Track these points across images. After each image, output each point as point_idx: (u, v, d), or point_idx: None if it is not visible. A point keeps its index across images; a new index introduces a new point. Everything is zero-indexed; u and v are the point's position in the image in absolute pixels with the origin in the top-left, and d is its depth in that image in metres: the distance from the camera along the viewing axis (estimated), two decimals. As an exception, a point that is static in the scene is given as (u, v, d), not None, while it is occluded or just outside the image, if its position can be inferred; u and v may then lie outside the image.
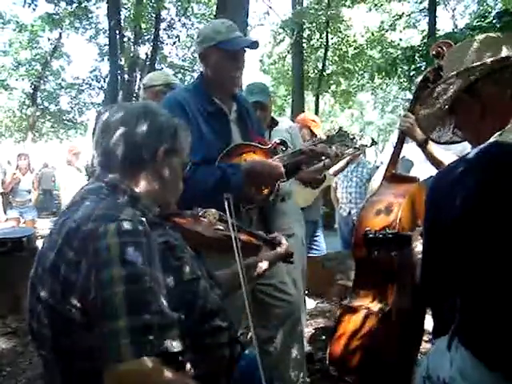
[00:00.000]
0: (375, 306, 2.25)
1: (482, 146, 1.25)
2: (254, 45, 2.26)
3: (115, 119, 1.32)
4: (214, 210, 1.59)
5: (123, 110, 1.35)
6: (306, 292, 3.90)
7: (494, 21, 5.56)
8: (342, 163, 4.72)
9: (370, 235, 1.93)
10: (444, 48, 2.36)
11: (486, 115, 1.34)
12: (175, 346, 1.08)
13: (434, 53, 2.41)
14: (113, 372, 1.01)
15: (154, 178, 1.35)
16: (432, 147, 2.45)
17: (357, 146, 2.66)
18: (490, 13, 8.52)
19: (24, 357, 3.32)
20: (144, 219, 1.21)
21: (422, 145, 2.44)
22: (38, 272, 1.23)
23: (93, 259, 1.08)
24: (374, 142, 3.59)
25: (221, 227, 1.57)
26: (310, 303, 4.36)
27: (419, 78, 2.81)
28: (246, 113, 2.36)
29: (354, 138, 2.50)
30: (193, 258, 1.37)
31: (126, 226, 1.14)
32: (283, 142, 2.38)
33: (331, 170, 4.48)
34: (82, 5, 18.11)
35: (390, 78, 7.13)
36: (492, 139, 1.25)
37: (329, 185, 4.88)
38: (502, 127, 1.27)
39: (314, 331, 3.71)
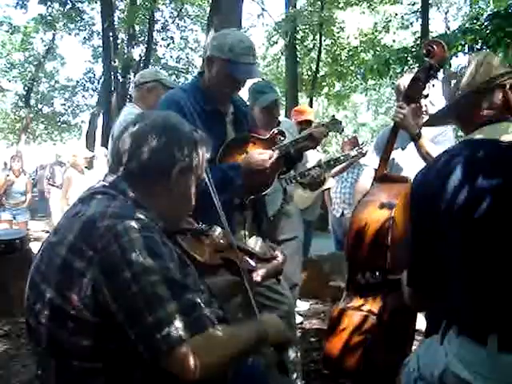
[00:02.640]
0: (372, 307, 2.25)
1: (463, 140, 1.48)
2: (258, 77, 2.46)
3: (134, 130, 1.30)
4: (218, 229, 1.60)
5: (144, 121, 1.33)
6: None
7: (485, 23, 5.58)
8: (342, 165, 4.71)
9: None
10: (434, 47, 2.37)
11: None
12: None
13: (424, 52, 2.42)
14: (177, 355, 1.07)
15: (165, 194, 1.32)
16: (424, 141, 2.47)
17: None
18: (482, 15, 8.57)
19: (17, 360, 3.29)
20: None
21: (415, 138, 2.47)
22: (40, 269, 1.22)
23: (119, 257, 1.10)
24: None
25: (222, 245, 1.59)
26: (304, 305, 4.36)
27: (401, 80, 2.86)
28: (242, 115, 2.38)
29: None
30: (196, 273, 1.37)
31: (143, 222, 1.17)
32: (281, 132, 2.41)
33: (332, 171, 4.50)
34: (76, 6, 18.09)
35: (382, 78, 7.12)
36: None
37: (329, 187, 4.92)
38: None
39: (308, 332, 3.71)
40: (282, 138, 2.39)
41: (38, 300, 1.19)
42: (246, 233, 2.29)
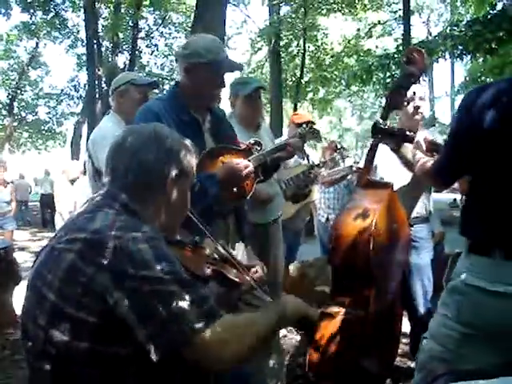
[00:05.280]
0: (351, 311, 2.29)
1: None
2: (241, 69, 2.44)
3: (127, 142, 1.35)
4: (209, 241, 1.64)
5: (134, 135, 1.38)
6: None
7: (464, 29, 5.68)
8: (336, 177, 4.67)
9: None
10: (415, 55, 2.41)
11: None
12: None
13: (405, 59, 2.46)
14: (196, 344, 1.12)
15: (163, 203, 1.37)
16: (404, 151, 2.51)
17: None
18: (461, 21, 8.70)
19: (3, 371, 3.27)
20: None
21: (395, 149, 2.50)
22: (42, 273, 1.23)
23: (130, 263, 1.13)
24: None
25: (213, 257, 1.63)
26: None
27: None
28: (219, 122, 2.40)
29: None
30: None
31: (150, 234, 1.21)
32: (257, 143, 2.44)
33: (328, 179, 4.46)
34: (59, 14, 18.04)
35: (365, 85, 7.24)
36: None
37: (314, 200, 4.94)
38: None
39: (293, 338, 3.74)
40: (259, 148, 2.42)
41: (39, 303, 1.21)
42: (230, 238, 2.32)
